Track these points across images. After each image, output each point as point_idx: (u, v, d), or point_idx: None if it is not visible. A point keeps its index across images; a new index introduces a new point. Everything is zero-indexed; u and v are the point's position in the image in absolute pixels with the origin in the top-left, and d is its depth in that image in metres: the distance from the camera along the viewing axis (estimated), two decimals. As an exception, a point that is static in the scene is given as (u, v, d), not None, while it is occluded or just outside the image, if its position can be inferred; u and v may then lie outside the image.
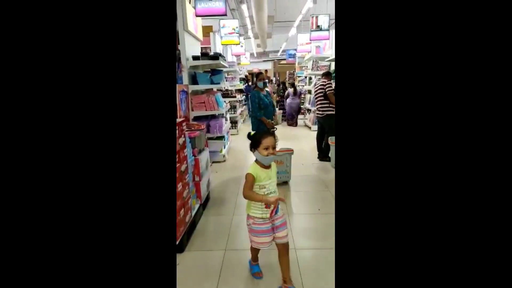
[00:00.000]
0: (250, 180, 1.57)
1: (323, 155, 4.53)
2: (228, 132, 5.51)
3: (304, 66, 9.91)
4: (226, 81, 5.87)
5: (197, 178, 2.64)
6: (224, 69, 6.77)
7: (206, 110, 4.43)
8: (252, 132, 1.69)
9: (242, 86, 9.30)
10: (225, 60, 5.45)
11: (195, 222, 2.52)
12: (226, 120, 5.07)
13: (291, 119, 8.03)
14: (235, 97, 6.97)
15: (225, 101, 5.21)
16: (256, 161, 1.64)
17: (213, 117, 4.71)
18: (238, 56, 10.02)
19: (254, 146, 1.62)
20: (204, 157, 2.93)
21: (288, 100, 8.08)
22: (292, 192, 3.35)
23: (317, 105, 4.44)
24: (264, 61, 16.10)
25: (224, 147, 4.87)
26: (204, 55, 4.32)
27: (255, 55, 14.69)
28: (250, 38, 12.30)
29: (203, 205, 2.85)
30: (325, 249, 2.12)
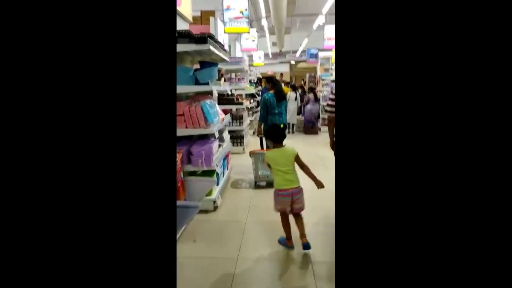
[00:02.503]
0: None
1: None
2: (226, 157, 3.71)
3: (330, 68, 8.10)
4: (227, 81, 4.04)
5: None
6: (225, 66, 5.03)
7: (186, 127, 2.69)
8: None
9: (253, 89, 7.56)
10: (225, 51, 3.66)
11: None
12: (221, 141, 3.25)
13: (311, 127, 7.19)
14: (241, 103, 5.20)
15: (220, 112, 3.40)
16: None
17: (201, 137, 2.95)
18: (249, 53, 8.31)
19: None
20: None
21: (308, 106, 7.21)
22: None
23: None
24: (280, 62, 14.28)
25: (217, 184, 3.09)
26: (184, 36, 2.57)
27: (270, 55, 12.91)
28: (265, 36, 10.60)
29: None
30: None
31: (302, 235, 2.07)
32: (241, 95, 7.08)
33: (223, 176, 3.51)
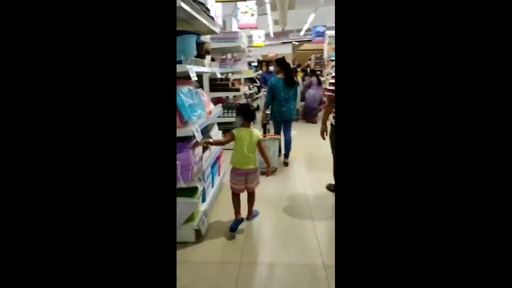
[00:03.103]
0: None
1: None
2: (217, 160, 2.86)
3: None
4: (216, 61, 3.13)
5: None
6: (217, 43, 4.09)
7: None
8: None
9: (252, 73, 6.62)
10: (212, 18, 2.72)
11: None
12: (208, 144, 2.34)
13: (313, 115, 6.24)
14: (237, 89, 4.30)
15: (207, 103, 2.51)
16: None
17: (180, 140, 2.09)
18: (248, 32, 7.29)
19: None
20: None
21: (311, 91, 6.16)
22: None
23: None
24: (282, 43, 13.11)
25: (203, 201, 2.26)
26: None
27: (272, 35, 11.79)
28: (266, 14, 9.49)
29: None
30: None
31: (250, 212, 2.33)
32: (239, 79, 6.16)
33: (212, 186, 2.67)
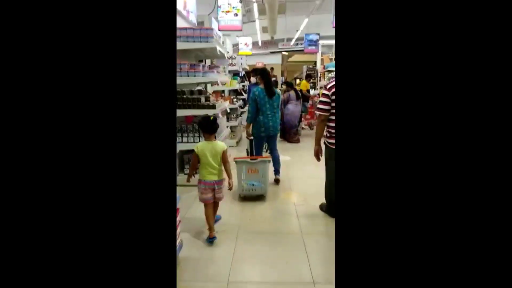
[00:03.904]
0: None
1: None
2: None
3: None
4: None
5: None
6: (180, 40, 3.03)
7: None
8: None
9: (237, 84, 5.61)
10: None
11: None
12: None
13: (295, 133, 5.51)
14: (213, 107, 3.23)
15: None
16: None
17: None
18: (234, 38, 6.35)
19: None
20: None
21: (290, 107, 5.30)
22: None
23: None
24: (271, 52, 12.26)
25: None
26: None
27: (260, 43, 10.92)
28: (254, 20, 8.63)
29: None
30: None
31: (211, 228, 2.22)
32: (220, 92, 5.13)
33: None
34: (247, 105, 4.35)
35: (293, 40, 10.59)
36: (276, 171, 3.42)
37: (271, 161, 3.19)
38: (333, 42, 7.20)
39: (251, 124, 3.25)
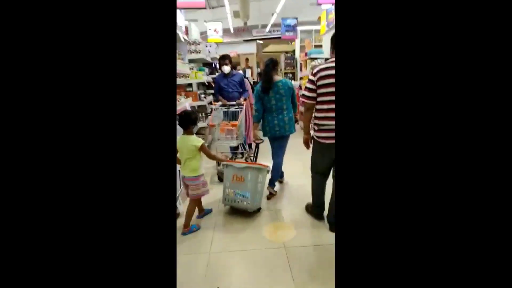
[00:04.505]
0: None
1: (320, 211, 2.37)
2: None
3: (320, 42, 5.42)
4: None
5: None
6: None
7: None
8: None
9: (203, 76, 4.67)
10: None
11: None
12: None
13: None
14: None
15: None
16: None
17: None
18: (201, 23, 5.38)
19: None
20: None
21: None
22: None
23: (329, 116, 2.03)
24: (245, 41, 11.25)
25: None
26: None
27: (232, 30, 9.90)
28: (223, 5, 7.63)
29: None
30: None
31: (186, 224, 2.24)
32: (185, 86, 4.21)
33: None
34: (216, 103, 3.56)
35: (269, 26, 9.67)
36: (271, 182, 2.84)
37: (269, 171, 2.63)
38: (313, 27, 6.42)
39: (258, 124, 2.85)
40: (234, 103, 3.48)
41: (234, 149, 3.55)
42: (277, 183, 2.97)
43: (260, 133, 2.99)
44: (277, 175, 2.88)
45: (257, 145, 2.98)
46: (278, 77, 2.74)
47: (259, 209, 2.56)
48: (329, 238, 2.12)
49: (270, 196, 2.81)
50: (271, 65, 2.71)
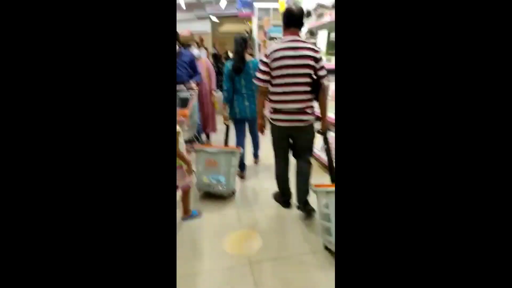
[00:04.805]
0: None
1: (287, 198, 2.36)
2: None
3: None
4: None
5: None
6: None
7: None
8: None
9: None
10: None
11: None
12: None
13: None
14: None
15: None
16: None
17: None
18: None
19: None
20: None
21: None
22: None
23: (293, 99, 1.99)
24: (198, 18, 10.36)
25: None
26: None
27: (183, 6, 8.98)
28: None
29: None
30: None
31: (185, 210, 2.28)
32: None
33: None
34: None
35: (224, 1, 8.93)
36: (255, 154, 3.20)
37: (239, 154, 2.66)
38: (271, 5, 5.95)
39: (227, 105, 2.75)
40: (183, 86, 2.96)
41: (186, 142, 3.07)
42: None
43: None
44: (257, 147, 3.11)
45: (227, 127, 2.87)
46: (250, 57, 2.66)
47: (233, 192, 2.59)
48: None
49: (253, 163, 3.14)
50: (243, 44, 2.58)
